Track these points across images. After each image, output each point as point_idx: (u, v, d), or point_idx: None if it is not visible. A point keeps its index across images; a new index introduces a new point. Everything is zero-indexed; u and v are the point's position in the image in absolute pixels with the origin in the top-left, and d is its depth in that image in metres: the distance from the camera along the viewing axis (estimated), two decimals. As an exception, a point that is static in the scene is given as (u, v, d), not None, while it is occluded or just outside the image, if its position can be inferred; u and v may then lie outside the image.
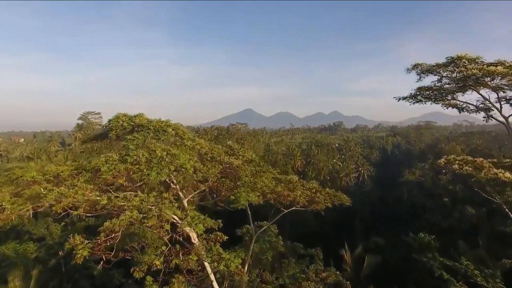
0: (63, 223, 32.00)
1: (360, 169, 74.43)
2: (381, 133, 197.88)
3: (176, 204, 8.95)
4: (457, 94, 14.02)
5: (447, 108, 14.79)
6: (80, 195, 8.04)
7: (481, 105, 13.80)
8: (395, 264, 26.41)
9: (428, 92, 14.67)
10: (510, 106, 14.06)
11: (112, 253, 8.91)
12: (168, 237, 9.42)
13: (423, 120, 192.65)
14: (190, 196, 12.18)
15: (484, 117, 14.22)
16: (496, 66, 12.48)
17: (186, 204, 11.43)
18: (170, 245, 9.60)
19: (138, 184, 10.14)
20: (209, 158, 11.02)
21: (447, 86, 14.33)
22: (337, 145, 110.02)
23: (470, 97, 14.37)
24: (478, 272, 13.78)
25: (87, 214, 9.33)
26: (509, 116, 14.26)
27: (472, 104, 14.11)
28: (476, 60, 13.40)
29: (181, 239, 10.12)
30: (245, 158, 14.25)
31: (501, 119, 14.62)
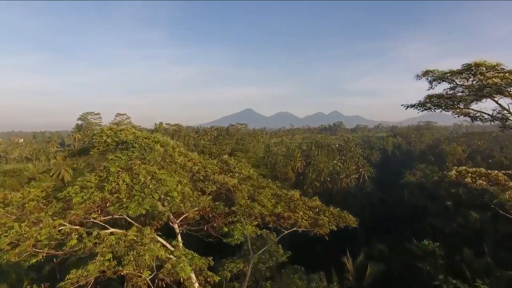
0: None
1: (360, 170, 73.84)
2: (381, 134, 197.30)
3: (161, 240, 8.09)
4: (470, 102, 13.05)
5: (458, 116, 13.91)
6: (44, 235, 7.13)
7: (498, 115, 12.82)
8: (398, 272, 25.67)
9: (438, 100, 13.77)
10: None
11: None
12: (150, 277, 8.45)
13: (423, 120, 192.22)
14: (179, 220, 11.00)
15: (500, 127, 13.25)
16: None
17: (177, 230, 10.54)
18: None
19: (115, 216, 9.04)
20: (201, 178, 10.17)
21: (460, 94, 13.41)
22: (337, 145, 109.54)
23: (485, 105, 13.30)
24: None
25: (53, 255, 8.33)
26: None
27: (488, 114, 13.15)
28: (496, 68, 12.32)
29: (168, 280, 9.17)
30: (241, 176, 13.26)
31: None
